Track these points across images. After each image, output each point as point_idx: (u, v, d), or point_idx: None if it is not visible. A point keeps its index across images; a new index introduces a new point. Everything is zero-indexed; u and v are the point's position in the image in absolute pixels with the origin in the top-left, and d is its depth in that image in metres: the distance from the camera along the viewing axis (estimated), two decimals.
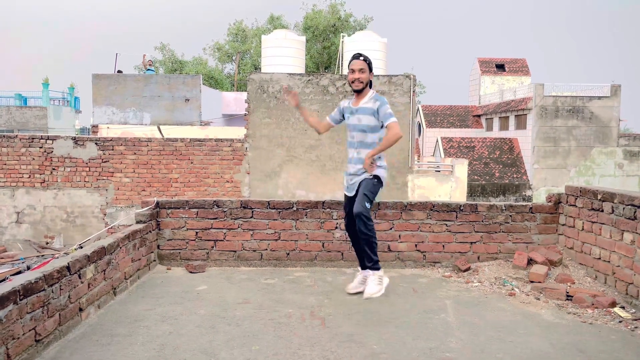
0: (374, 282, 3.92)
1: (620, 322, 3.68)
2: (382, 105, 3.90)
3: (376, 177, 3.95)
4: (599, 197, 4.45)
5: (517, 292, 4.34)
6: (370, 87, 4.07)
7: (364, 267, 4.18)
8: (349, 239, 4.44)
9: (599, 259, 4.46)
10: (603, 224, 4.40)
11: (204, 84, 20.50)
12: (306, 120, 4.40)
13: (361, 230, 3.85)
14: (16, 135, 13.63)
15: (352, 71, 3.96)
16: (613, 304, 3.93)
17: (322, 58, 36.65)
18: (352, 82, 3.97)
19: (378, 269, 3.98)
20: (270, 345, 3.22)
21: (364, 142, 3.99)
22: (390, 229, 5.10)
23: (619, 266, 4.19)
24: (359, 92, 4.00)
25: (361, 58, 3.95)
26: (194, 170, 13.54)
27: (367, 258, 3.95)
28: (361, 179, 3.98)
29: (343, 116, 4.20)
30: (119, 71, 21.33)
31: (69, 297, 3.34)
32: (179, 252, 5.11)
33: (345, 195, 4.24)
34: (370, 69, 4.00)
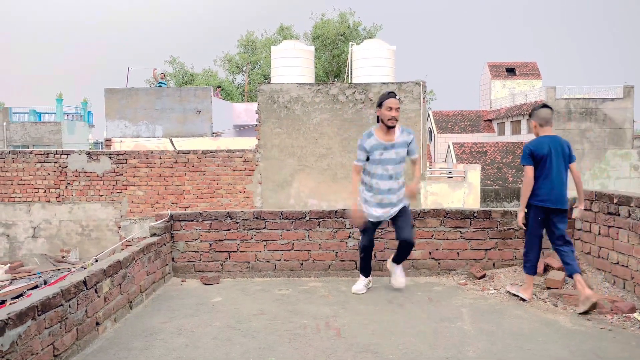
0: (403, 273, 4.63)
1: None
2: (414, 139, 4.39)
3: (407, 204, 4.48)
4: (615, 201, 4.40)
5: (534, 299, 4.29)
6: None
7: (397, 261, 4.61)
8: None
9: (617, 263, 4.40)
10: (620, 228, 4.34)
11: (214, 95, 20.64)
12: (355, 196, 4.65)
13: (409, 252, 4.50)
14: (31, 151, 13.83)
15: (390, 109, 4.23)
16: (632, 310, 3.87)
17: (331, 67, 36.76)
18: (389, 119, 4.23)
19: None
20: (287, 356, 3.22)
21: (399, 172, 4.38)
22: None
23: (637, 271, 4.13)
24: (391, 128, 4.29)
25: (397, 97, 4.27)
26: (207, 181, 13.61)
27: (401, 259, 4.58)
28: (401, 207, 4.40)
29: (369, 153, 4.39)
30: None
31: (86, 311, 3.36)
32: (193, 264, 5.13)
33: (370, 221, 4.44)
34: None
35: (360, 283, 4.64)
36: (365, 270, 4.64)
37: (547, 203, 4.11)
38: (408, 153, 4.39)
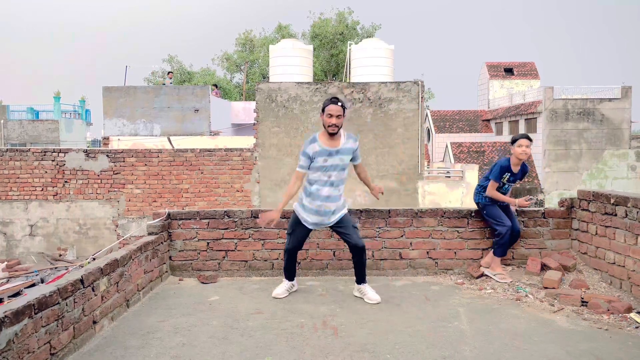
0: (373, 290, 4.38)
1: (636, 327, 3.63)
2: (359, 146, 4.33)
3: (349, 210, 4.49)
4: (612, 201, 4.41)
5: (531, 299, 4.30)
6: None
7: (359, 280, 4.43)
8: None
9: (614, 263, 4.41)
10: (617, 228, 4.36)
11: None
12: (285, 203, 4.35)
13: (365, 258, 4.33)
14: (29, 149, 13.80)
15: (330, 116, 4.11)
16: (629, 310, 3.88)
17: (329, 66, 36.75)
18: (329, 126, 4.12)
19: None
20: (284, 355, 3.22)
21: (342, 179, 4.28)
22: (402, 236, 5.09)
23: (634, 271, 4.14)
24: (333, 135, 4.17)
25: (339, 104, 4.13)
26: (204, 180, 13.61)
27: (363, 274, 4.40)
28: (342, 214, 4.32)
29: (312, 160, 4.20)
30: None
31: (83, 310, 3.36)
32: (191, 263, 5.13)
33: (303, 227, 4.32)
34: (344, 114, 4.20)
35: (282, 287, 4.50)
36: (290, 273, 4.51)
37: None
38: (352, 159, 4.30)
